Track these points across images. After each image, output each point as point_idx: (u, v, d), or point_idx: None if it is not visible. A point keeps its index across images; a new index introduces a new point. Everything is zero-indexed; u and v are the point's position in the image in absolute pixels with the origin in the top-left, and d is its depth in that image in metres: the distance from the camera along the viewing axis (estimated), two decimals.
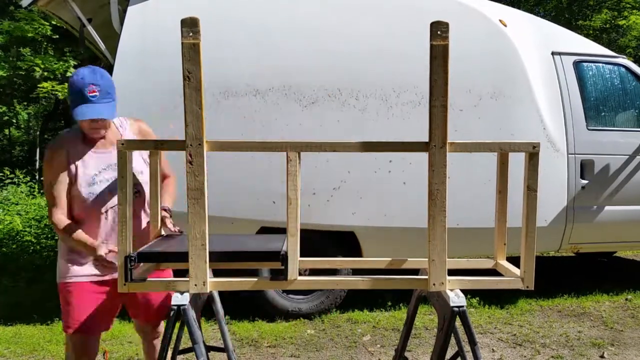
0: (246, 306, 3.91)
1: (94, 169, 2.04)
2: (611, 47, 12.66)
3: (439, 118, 1.63)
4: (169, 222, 2.07)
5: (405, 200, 3.70)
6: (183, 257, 1.69)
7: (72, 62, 8.79)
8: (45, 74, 8.67)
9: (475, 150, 1.77)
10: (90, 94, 1.89)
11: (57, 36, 9.31)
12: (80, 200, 2.03)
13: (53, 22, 8.68)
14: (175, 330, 1.91)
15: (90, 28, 4.03)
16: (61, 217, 2.02)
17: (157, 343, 2.37)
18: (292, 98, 3.60)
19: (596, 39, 13.04)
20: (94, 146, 2.06)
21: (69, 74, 8.86)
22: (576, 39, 4.44)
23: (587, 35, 11.82)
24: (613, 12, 14.15)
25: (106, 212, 2.07)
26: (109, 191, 2.05)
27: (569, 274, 5.39)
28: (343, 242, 3.79)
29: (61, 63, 8.60)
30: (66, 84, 8.77)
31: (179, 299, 1.69)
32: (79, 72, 1.92)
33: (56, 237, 6.16)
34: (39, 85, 8.87)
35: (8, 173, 8.23)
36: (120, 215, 1.70)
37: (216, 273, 1.99)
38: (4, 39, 8.89)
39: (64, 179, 2.01)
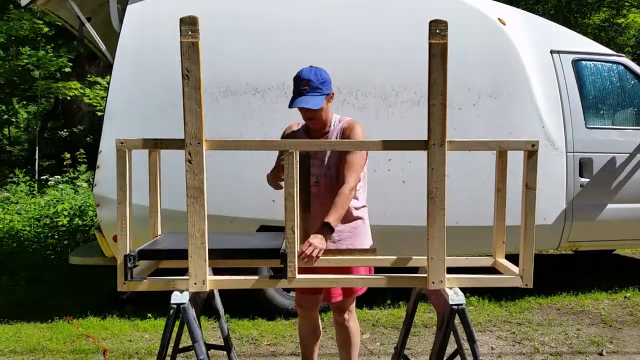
0: (246, 305, 3.92)
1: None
2: (610, 45, 12.66)
3: (438, 116, 1.64)
4: (306, 245, 2.02)
5: (404, 199, 3.70)
6: (183, 254, 1.69)
7: (67, 56, 8.77)
8: (39, 71, 8.66)
9: (474, 148, 1.77)
10: (303, 88, 2.25)
11: (53, 32, 9.30)
12: None
13: (46, 19, 8.67)
14: (175, 329, 1.91)
15: (89, 27, 4.02)
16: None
17: (341, 327, 2.52)
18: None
19: (595, 37, 13.04)
20: (311, 137, 2.39)
21: (66, 69, 8.86)
22: (575, 38, 4.44)
23: (586, 34, 11.82)
24: (612, 10, 14.16)
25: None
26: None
27: (567, 272, 5.40)
28: None
29: (56, 59, 8.58)
30: (61, 84, 8.80)
31: (179, 298, 1.69)
32: (300, 70, 2.31)
33: (56, 237, 6.17)
34: (34, 85, 8.88)
35: (7, 172, 8.23)
36: (120, 214, 1.70)
37: (216, 271, 1.99)
38: (2, 38, 8.90)
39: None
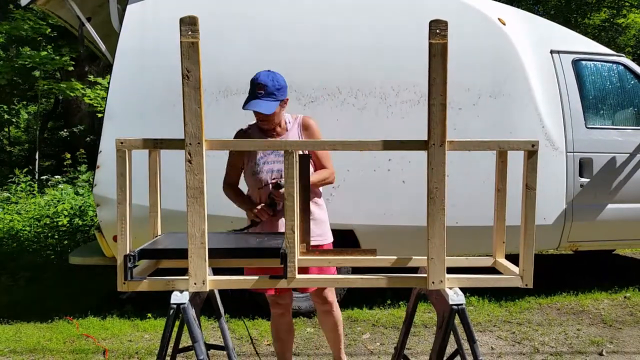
0: (246, 304, 3.92)
1: (261, 153, 2.52)
2: (610, 45, 12.66)
3: (438, 116, 1.64)
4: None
5: (404, 199, 3.71)
6: (184, 254, 1.69)
7: (68, 56, 8.78)
8: (39, 72, 8.67)
9: (474, 148, 1.77)
10: (258, 91, 2.35)
11: (55, 34, 9.32)
12: (249, 174, 2.54)
13: (50, 21, 8.69)
14: (175, 329, 1.91)
15: (89, 27, 4.03)
16: (227, 189, 2.61)
17: (328, 314, 2.68)
18: (291, 97, 3.57)
19: (595, 37, 13.04)
20: (268, 137, 2.54)
21: (70, 68, 8.88)
22: (575, 38, 4.44)
23: (586, 34, 11.82)
24: (612, 10, 14.16)
25: (265, 185, 2.48)
26: (269, 170, 2.48)
27: (567, 272, 5.40)
28: (342, 240, 3.79)
29: (58, 59, 8.59)
30: (64, 84, 8.81)
31: (179, 298, 1.69)
32: (258, 73, 2.39)
33: (56, 237, 6.18)
34: (36, 84, 8.88)
35: (7, 172, 8.24)
36: (120, 214, 1.70)
37: (216, 271, 1.99)
38: (2, 38, 8.91)
39: (239, 160, 2.56)
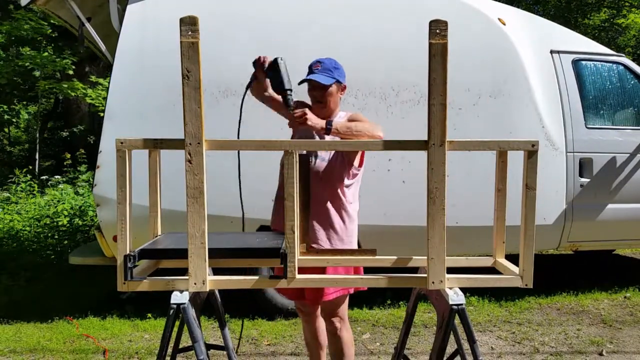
0: (246, 305, 3.92)
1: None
2: (610, 45, 12.66)
3: (438, 116, 1.64)
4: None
5: (404, 199, 3.71)
6: (184, 254, 1.69)
7: (70, 59, 8.78)
8: (39, 72, 8.67)
9: (474, 148, 1.77)
10: (314, 68, 2.38)
11: (56, 34, 9.33)
12: None
13: (52, 22, 8.70)
14: (175, 329, 1.91)
15: (89, 27, 4.03)
16: None
17: (336, 338, 2.45)
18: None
19: (595, 37, 13.04)
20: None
21: (70, 71, 8.88)
22: (575, 38, 4.45)
23: (586, 34, 11.82)
24: (612, 10, 14.16)
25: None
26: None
27: (567, 272, 5.40)
28: None
29: (59, 60, 8.59)
30: (65, 83, 8.80)
31: (179, 298, 1.69)
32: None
33: (56, 237, 6.17)
34: (37, 84, 8.89)
35: (7, 172, 8.24)
36: (120, 214, 1.70)
37: (216, 271, 1.99)
38: (3, 38, 8.91)
39: None
